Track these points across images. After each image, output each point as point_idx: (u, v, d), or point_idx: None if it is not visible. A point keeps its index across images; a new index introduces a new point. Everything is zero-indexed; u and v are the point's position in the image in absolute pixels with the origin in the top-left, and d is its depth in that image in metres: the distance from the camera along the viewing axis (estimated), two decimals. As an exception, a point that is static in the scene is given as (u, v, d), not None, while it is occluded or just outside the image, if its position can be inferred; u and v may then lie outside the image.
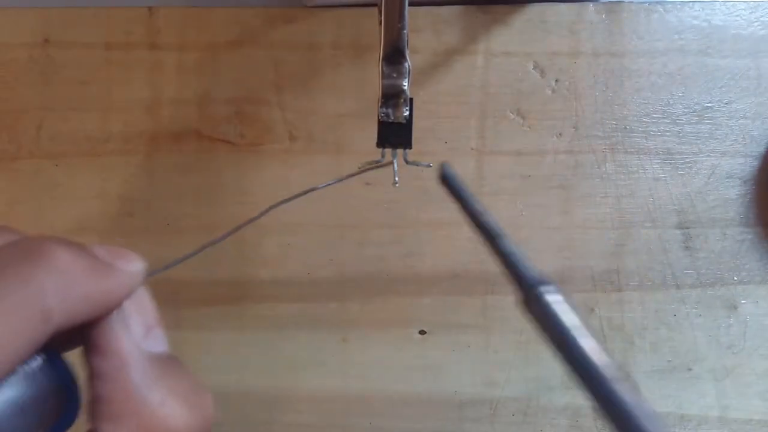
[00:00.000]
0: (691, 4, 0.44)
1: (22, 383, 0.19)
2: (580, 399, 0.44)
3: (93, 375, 0.19)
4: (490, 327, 0.44)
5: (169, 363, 0.21)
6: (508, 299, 0.44)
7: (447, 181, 0.26)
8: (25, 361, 0.18)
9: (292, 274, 0.44)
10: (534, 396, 0.44)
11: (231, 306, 0.43)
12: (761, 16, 0.44)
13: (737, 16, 0.44)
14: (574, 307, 0.20)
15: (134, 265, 0.20)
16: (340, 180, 0.29)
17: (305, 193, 0.29)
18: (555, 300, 0.20)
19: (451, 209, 0.44)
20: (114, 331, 0.19)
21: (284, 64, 0.44)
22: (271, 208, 0.28)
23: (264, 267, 0.44)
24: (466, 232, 0.44)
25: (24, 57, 0.43)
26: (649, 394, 0.44)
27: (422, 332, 0.44)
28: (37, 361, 0.20)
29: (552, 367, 0.44)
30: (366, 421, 0.43)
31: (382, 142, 0.33)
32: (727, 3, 0.44)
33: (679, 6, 0.44)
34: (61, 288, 0.18)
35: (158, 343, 0.21)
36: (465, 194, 0.25)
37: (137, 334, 0.21)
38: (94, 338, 0.20)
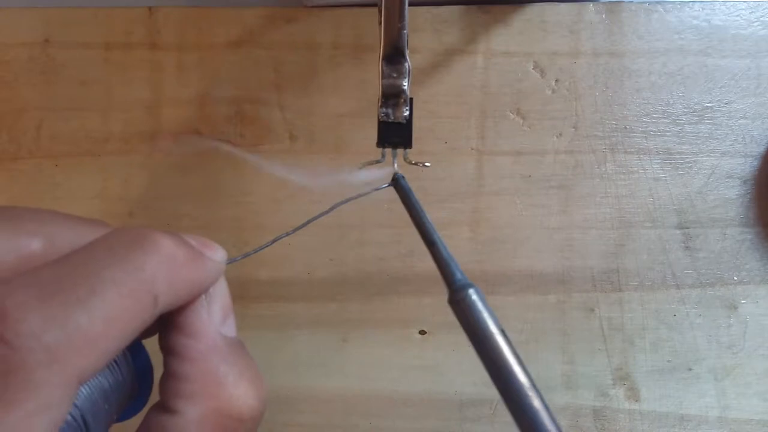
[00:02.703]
0: (691, 4, 0.44)
1: (110, 370, 0.20)
2: (580, 399, 0.44)
3: (174, 354, 0.20)
4: (490, 327, 0.44)
5: (240, 348, 0.22)
6: (508, 299, 0.44)
7: (399, 187, 0.29)
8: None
9: (292, 274, 0.44)
10: (534, 396, 0.44)
11: (231, 306, 0.43)
12: (761, 16, 0.44)
13: (737, 16, 0.44)
14: (491, 311, 0.24)
15: (219, 254, 0.22)
16: (367, 193, 0.30)
17: (362, 195, 0.30)
18: (477, 302, 0.24)
19: (451, 209, 0.44)
20: (201, 315, 0.21)
21: (284, 64, 0.44)
22: (337, 205, 0.29)
23: (264, 267, 0.44)
24: (466, 232, 0.44)
25: (24, 57, 0.43)
26: (649, 394, 0.44)
27: (422, 332, 0.44)
28: (123, 350, 0.20)
29: (552, 367, 0.44)
30: (366, 421, 0.43)
31: (382, 142, 0.33)
32: (727, 3, 0.44)
33: (679, 6, 0.44)
34: (167, 274, 0.19)
35: (231, 329, 0.22)
36: (413, 201, 0.28)
37: (218, 319, 0.22)
38: (181, 320, 0.21)
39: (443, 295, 0.40)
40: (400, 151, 0.33)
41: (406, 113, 0.32)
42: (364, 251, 0.44)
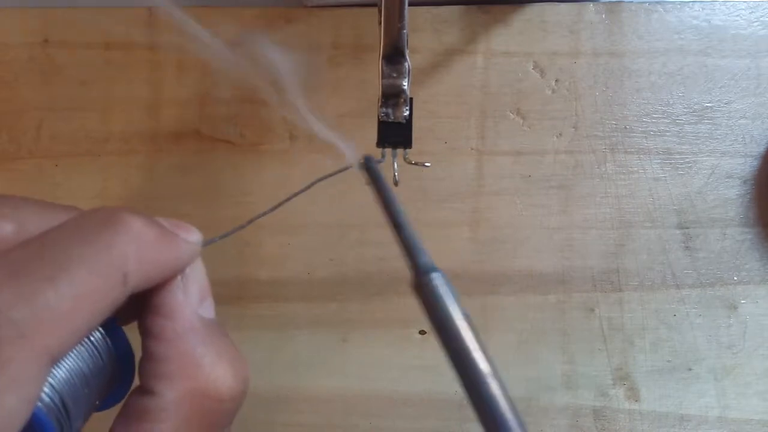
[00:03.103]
0: (691, 4, 0.44)
1: (88, 354, 0.20)
2: (580, 399, 0.44)
3: (151, 336, 0.20)
4: (490, 327, 0.44)
5: (217, 330, 0.22)
6: (508, 299, 0.44)
7: (368, 169, 0.28)
8: (103, 323, 0.19)
9: (292, 274, 0.44)
10: (534, 396, 0.44)
11: (231, 306, 0.43)
12: (761, 16, 0.44)
13: (737, 16, 0.44)
14: (456, 294, 0.23)
15: (194, 236, 0.22)
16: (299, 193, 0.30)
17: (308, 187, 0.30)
18: (440, 286, 0.23)
19: (451, 209, 0.44)
20: (177, 296, 0.21)
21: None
22: (280, 203, 0.29)
23: (264, 267, 0.44)
24: (466, 232, 0.44)
25: (24, 57, 0.43)
26: (649, 394, 0.44)
27: (422, 332, 0.44)
28: (101, 333, 0.21)
29: (552, 367, 0.44)
30: (366, 421, 0.43)
31: (382, 142, 0.33)
32: (727, 3, 0.44)
33: (679, 6, 0.44)
34: (137, 252, 0.19)
35: (209, 311, 0.22)
36: (382, 183, 0.27)
37: (195, 300, 0.22)
38: (157, 301, 0.21)
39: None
40: (399, 151, 0.33)
41: (406, 113, 0.32)
42: (364, 251, 0.44)
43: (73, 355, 0.19)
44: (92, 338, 0.20)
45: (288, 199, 0.29)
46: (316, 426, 0.43)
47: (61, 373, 0.19)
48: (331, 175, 0.29)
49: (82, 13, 0.44)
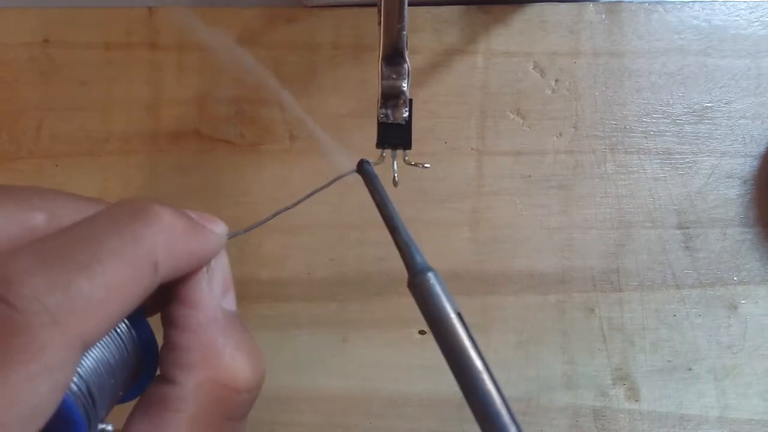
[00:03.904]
0: (691, 4, 0.44)
1: (114, 344, 0.20)
2: (580, 399, 0.44)
3: (175, 325, 0.21)
4: (490, 327, 0.44)
5: (238, 322, 0.23)
6: (508, 299, 0.44)
7: (364, 173, 0.29)
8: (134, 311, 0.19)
9: (292, 274, 0.44)
10: (534, 396, 0.44)
11: (231, 306, 0.43)
12: (761, 16, 0.44)
13: (737, 16, 0.44)
14: (449, 295, 0.24)
15: (220, 228, 0.23)
16: (299, 202, 0.30)
17: (306, 198, 0.30)
18: (433, 285, 0.24)
19: (451, 209, 0.44)
20: (202, 287, 0.21)
21: (284, 64, 0.44)
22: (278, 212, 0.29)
23: (264, 267, 0.44)
24: (466, 232, 0.44)
25: (24, 57, 0.43)
26: (649, 394, 0.44)
27: (422, 332, 0.44)
28: (126, 324, 0.21)
29: (552, 367, 0.44)
30: (366, 421, 0.44)
31: (381, 143, 0.33)
32: (727, 3, 0.44)
33: (679, 6, 0.44)
34: (166, 244, 0.19)
35: (231, 303, 0.23)
36: (378, 187, 0.28)
37: (218, 292, 0.22)
38: (183, 292, 0.21)
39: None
40: (399, 151, 0.33)
41: (406, 114, 0.32)
42: (364, 251, 0.44)
43: (100, 345, 0.20)
44: (118, 329, 0.21)
45: (311, 195, 0.29)
46: (316, 426, 0.43)
47: (88, 362, 0.19)
48: (338, 179, 0.29)
49: (82, 13, 0.44)
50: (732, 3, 0.44)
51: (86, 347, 0.17)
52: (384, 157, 0.33)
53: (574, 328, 0.44)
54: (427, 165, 0.34)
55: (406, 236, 0.27)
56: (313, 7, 0.43)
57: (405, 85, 0.31)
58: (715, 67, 0.44)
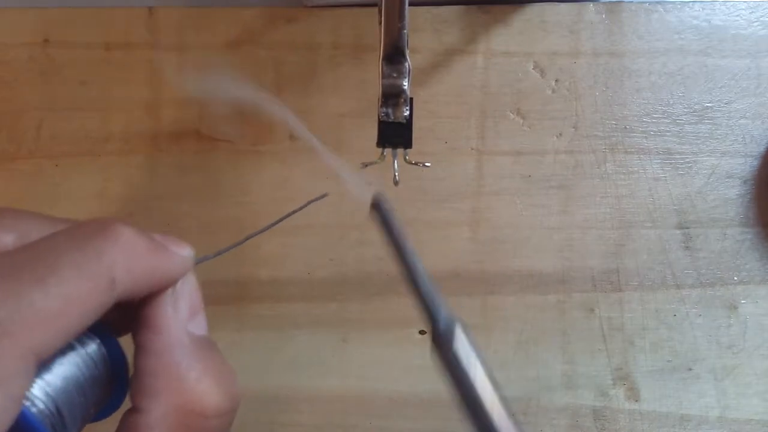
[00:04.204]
0: (691, 4, 0.44)
1: (83, 362, 0.20)
2: (580, 399, 0.44)
3: (140, 349, 0.21)
4: (490, 327, 0.44)
5: (207, 345, 0.22)
6: (508, 299, 0.44)
7: (379, 211, 0.25)
8: (90, 326, 0.19)
9: (292, 274, 0.44)
10: (534, 396, 0.44)
11: (231, 306, 0.43)
12: (761, 16, 0.44)
13: (737, 16, 0.44)
14: (480, 354, 0.22)
15: (185, 251, 0.23)
16: (282, 219, 0.29)
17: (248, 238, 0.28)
18: (462, 346, 0.22)
19: (451, 209, 0.44)
20: (165, 311, 0.21)
21: (284, 64, 0.44)
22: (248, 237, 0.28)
23: (264, 267, 0.44)
24: (466, 232, 0.44)
25: (24, 57, 0.43)
26: (649, 394, 0.44)
27: (422, 332, 0.44)
28: (97, 342, 0.21)
29: (552, 367, 0.44)
30: (366, 421, 0.43)
31: (382, 142, 0.33)
32: (727, 3, 0.44)
33: (679, 6, 0.44)
34: (125, 260, 0.20)
35: (200, 327, 0.23)
36: (394, 228, 0.25)
37: (184, 315, 0.22)
38: (146, 316, 0.21)
39: (443, 295, 0.40)
40: (399, 151, 0.33)
41: (406, 113, 0.32)
42: (364, 251, 0.44)
43: (67, 362, 0.20)
44: (88, 347, 0.21)
45: (280, 220, 0.28)
46: (316, 426, 0.43)
47: (55, 380, 0.19)
48: (312, 203, 0.28)
49: (82, 13, 0.44)
50: (732, 3, 0.44)
51: (41, 359, 0.17)
52: (384, 156, 0.33)
53: (574, 328, 0.44)
54: (427, 164, 0.34)
55: (427, 284, 0.23)
56: (313, 7, 0.43)
57: (406, 83, 0.31)
58: (715, 67, 0.44)
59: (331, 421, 0.43)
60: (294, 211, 0.27)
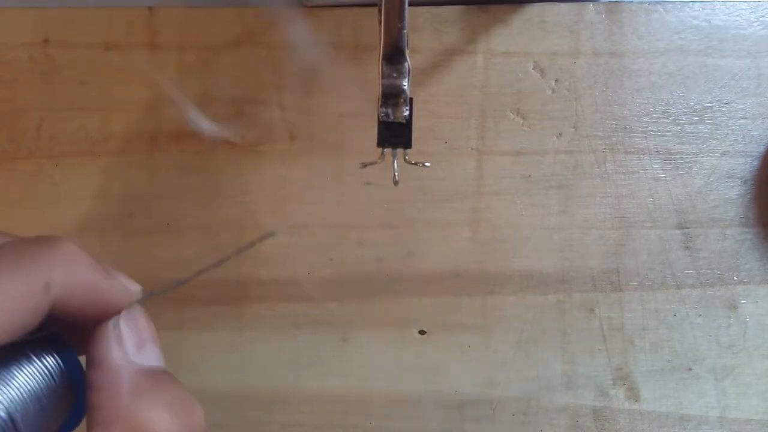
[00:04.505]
0: (691, 4, 0.44)
1: (40, 374, 0.21)
2: (580, 399, 0.44)
3: (87, 384, 0.21)
4: (490, 327, 0.44)
5: (160, 376, 0.23)
6: (508, 299, 0.44)
7: None
8: (28, 327, 0.20)
9: (292, 274, 0.44)
10: (534, 396, 0.44)
11: (231, 306, 0.43)
12: (761, 16, 0.44)
13: (737, 16, 0.44)
14: None
15: (131, 284, 0.23)
16: (222, 261, 0.28)
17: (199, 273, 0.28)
18: None
19: (451, 209, 0.44)
20: (107, 345, 0.22)
21: (284, 64, 0.44)
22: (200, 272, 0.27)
23: (264, 267, 0.44)
24: (466, 232, 0.44)
25: (24, 57, 0.43)
26: (649, 394, 0.44)
27: (422, 332, 0.44)
28: (54, 356, 0.22)
29: (552, 367, 0.44)
30: (366, 421, 0.43)
31: (382, 142, 0.33)
32: (727, 3, 0.44)
33: (679, 6, 0.44)
34: (64, 267, 0.20)
35: (151, 358, 0.23)
36: None
37: (130, 348, 0.22)
38: (89, 349, 0.22)
39: (443, 294, 0.40)
40: (399, 151, 0.33)
41: (406, 113, 0.32)
42: (363, 251, 0.44)
43: (23, 373, 0.20)
44: (44, 360, 0.21)
45: (232, 255, 0.27)
46: (316, 426, 0.43)
47: (9, 390, 0.20)
48: (254, 244, 0.28)
49: (82, 13, 0.44)
50: (732, 3, 0.44)
51: None
52: (384, 156, 0.33)
53: (574, 328, 0.44)
54: (427, 164, 0.34)
55: None
56: (313, 7, 0.43)
57: (405, 83, 0.31)
58: (715, 67, 0.44)
59: (331, 421, 0.43)
60: (241, 250, 0.27)
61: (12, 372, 0.20)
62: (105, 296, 0.22)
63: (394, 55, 0.31)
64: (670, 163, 0.44)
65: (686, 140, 0.44)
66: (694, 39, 0.44)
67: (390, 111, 0.32)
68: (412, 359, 0.44)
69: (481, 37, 0.44)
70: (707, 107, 0.44)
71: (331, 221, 0.44)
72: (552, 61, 0.44)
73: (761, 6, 0.44)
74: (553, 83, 0.44)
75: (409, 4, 0.30)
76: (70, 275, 0.20)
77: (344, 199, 0.44)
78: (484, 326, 0.44)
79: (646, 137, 0.44)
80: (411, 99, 0.32)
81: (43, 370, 0.21)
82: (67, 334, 0.22)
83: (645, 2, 0.44)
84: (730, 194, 0.44)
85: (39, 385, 0.21)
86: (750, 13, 0.44)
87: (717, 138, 0.44)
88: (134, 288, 0.23)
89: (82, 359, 0.23)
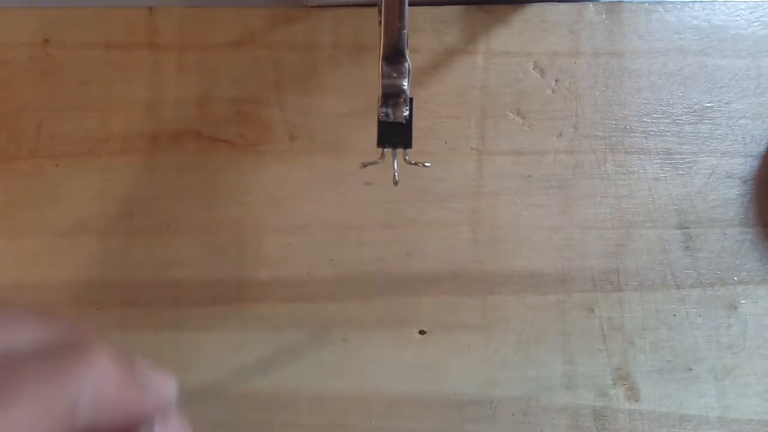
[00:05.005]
0: (691, 4, 0.44)
1: None
2: (580, 399, 0.44)
3: None
4: (490, 327, 0.44)
5: None
6: (508, 299, 0.44)
7: None
8: None
9: (292, 274, 0.44)
10: (534, 396, 0.44)
11: (231, 306, 0.43)
12: (761, 16, 0.44)
13: (737, 16, 0.44)
14: None
15: (167, 386, 0.22)
16: None
17: None
18: None
19: (451, 209, 0.44)
20: None
21: (284, 64, 0.44)
22: None
23: (264, 267, 0.44)
24: (466, 232, 0.44)
25: (24, 57, 0.43)
26: (649, 394, 0.44)
27: (422, 332, 0.44)
28: None
29: (552, 367, 0.44)
30: (366, 421, 0.43)
31: (382, 142, 0.33)
32: (727, 3, 0.44)
33: (679, 6, 0.44)
34: (94, 394, 0.18)
35: None
36: None
37: None
38: None
39: (443, 295, 0.40)
40: (399, 151, 0.33)
41: (406, 113, 0.32)
42: (364, 251, 0.44)
43: None
44: None
45: None
46: (316, 426, 0.43)
47: None
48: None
49: (82, 13, 0.44)
50: (732, 3, 0.44)
51: None
52: (384, 156, 0.33)
53: (574, 328, 0.44)
54: (427, 164, 0.34)
55: None
56: (313, 7, 0.43)
57: (405, 83, 0.31)
58: (715, 67, 0.44)
59: (331, 421, 0.43)
60: None
61: None
62: (136, 411, 0.20)
63: (394, 55, 0.31)
64: (670, 163, 0.44)
65: (686, 140, 0.44)
66: (694, 39, 0.44)
67: (390, 111, 0.32)
68: (412, 359, 0.44)
69: (481, 37, 0.44)
70: (707, 107, 0.44)
71: (331, 221, 0.44)
72: (552, 61, 0.44)
73: (761, 6, 0.44)
74: (553, 83, 0.44)
75: (409, 4, 0.30)
76: (100, 398, 0.19)
77: (344, 199, 0.44)
78: (484, 326, 0.44)
79: (646, 137, 0.44)
80: (411, 99, 0.32)
81: None
82: None
83: (645, 2, 0.44)
84: (730, 194, 0.44)
85: None
86: (750, 13, 0.44)
87: (717, 138, 0.44)
88: (168, 390, 0.22)
89: None
